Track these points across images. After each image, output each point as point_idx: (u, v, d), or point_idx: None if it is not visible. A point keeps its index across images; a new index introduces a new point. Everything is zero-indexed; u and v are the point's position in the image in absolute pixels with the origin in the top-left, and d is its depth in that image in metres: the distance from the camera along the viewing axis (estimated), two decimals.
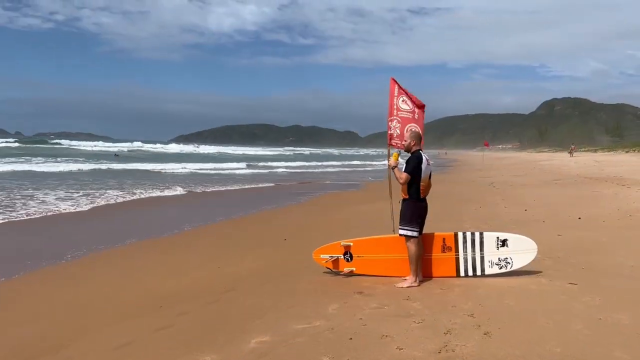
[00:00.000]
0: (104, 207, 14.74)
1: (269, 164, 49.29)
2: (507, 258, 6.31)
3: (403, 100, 7.35)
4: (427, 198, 6.34)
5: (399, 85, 7.35)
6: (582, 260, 7.15)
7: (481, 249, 6.34)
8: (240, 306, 5.46)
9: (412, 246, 6.11)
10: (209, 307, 5.52)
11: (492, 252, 6.33)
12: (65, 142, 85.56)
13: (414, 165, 6.11)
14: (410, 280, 6.10)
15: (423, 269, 6.32)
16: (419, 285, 6.05)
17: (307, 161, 58.78)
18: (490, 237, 6.36)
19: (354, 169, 46.80)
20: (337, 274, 6.67)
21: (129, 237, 10.06)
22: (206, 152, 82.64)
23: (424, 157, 6.20)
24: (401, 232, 6.16)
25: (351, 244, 6.64)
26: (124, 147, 79.94)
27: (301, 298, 5.59)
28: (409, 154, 6.33)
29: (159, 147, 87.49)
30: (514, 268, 6.32)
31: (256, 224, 12.15)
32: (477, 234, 6.39)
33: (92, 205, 14.67)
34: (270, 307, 5.31)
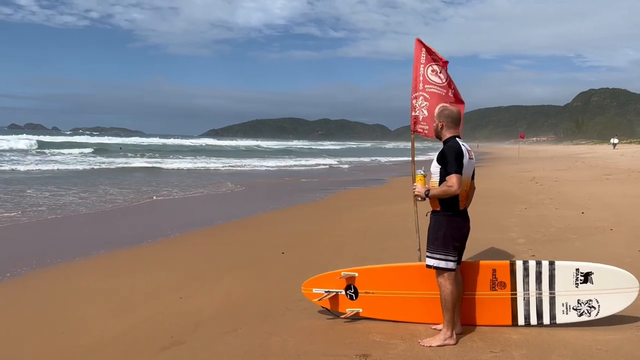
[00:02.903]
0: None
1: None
2: (590, 300, 4.16)
3: (433, 71, 5.26)
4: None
5: (427, 48, 5.25)
6: None
7: (551, 286, 4.21)
8: None
9: (446, 283, 4.01)
10: None
11: (568, 291, 4.19)
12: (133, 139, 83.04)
13: (453, 159, 3.96)
14: (443, 334, 4.01)
15: (463, 314, 4.24)
16: (456, 343, 3.96)
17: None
18: (565, 269, 4.21)
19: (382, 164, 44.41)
20: (337, 315, 4.65)
21: (108, 245, 8.16)
22: (270, 147, 78.80)
23: (463, 148, 4.08)
24: (429, 262, 4.06)
25: (356, 274, 4.58)
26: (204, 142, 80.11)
27: None
28: (441, 144, 4.22)
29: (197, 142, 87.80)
30: (600, 316, 4.17)
31: (254, 230, 10.15)
32: (544, 264, 4.24)
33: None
34: None
